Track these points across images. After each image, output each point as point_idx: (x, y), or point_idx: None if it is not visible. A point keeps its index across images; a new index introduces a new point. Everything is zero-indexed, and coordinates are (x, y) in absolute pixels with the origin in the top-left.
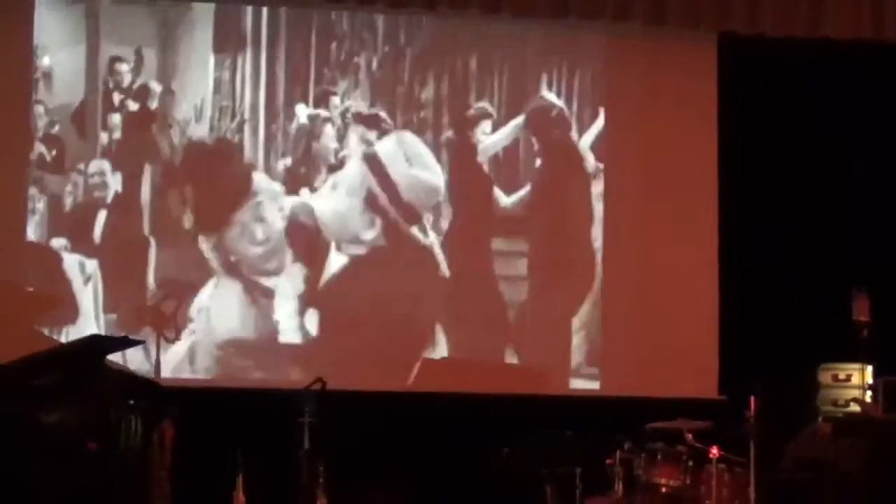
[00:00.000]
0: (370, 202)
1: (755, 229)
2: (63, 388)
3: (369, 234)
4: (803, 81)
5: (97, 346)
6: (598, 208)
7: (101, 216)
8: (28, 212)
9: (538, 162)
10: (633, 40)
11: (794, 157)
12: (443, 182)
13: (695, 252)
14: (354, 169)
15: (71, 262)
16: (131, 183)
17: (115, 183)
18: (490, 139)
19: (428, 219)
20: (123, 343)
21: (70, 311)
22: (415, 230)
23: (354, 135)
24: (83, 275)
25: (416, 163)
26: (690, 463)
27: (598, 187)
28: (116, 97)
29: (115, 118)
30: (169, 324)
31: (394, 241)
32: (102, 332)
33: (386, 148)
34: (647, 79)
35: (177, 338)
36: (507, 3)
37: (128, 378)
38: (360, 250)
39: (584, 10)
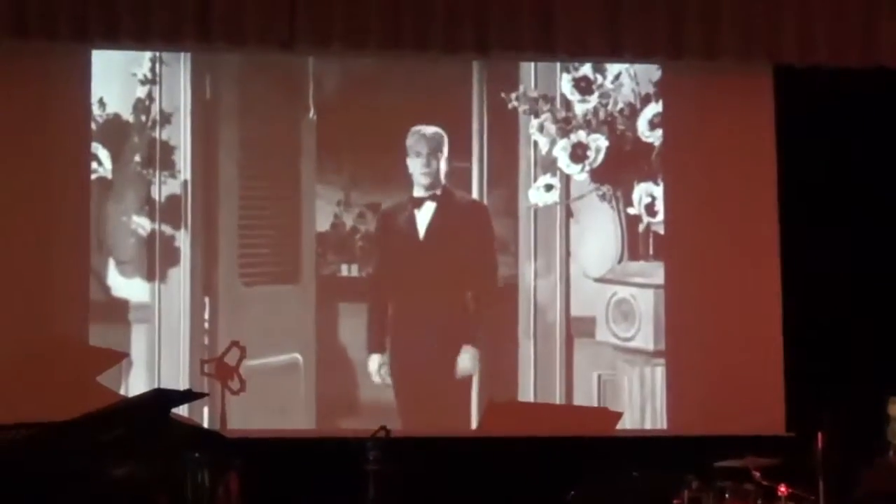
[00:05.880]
0: None
1: (818, 259)
2: (130, 442)
3: None
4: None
5: (162, 399)
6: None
7: None
8: None
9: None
10: (687, 76)
11: (857, 183)
12: None
13: (757, 285)
14: None
15: None
16: None
17: None
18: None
19: None
20: (187, 396)
21: None
22: None
23: None
24: None
25: None
26: (759, 501)
27: (656, 217)
28: None
29: None
30: (233, 375)
31: None
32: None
33: None
34: (704, 113)
35: (241, 389)
36: (562, 43)
37: (194, 430)
38: None
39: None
